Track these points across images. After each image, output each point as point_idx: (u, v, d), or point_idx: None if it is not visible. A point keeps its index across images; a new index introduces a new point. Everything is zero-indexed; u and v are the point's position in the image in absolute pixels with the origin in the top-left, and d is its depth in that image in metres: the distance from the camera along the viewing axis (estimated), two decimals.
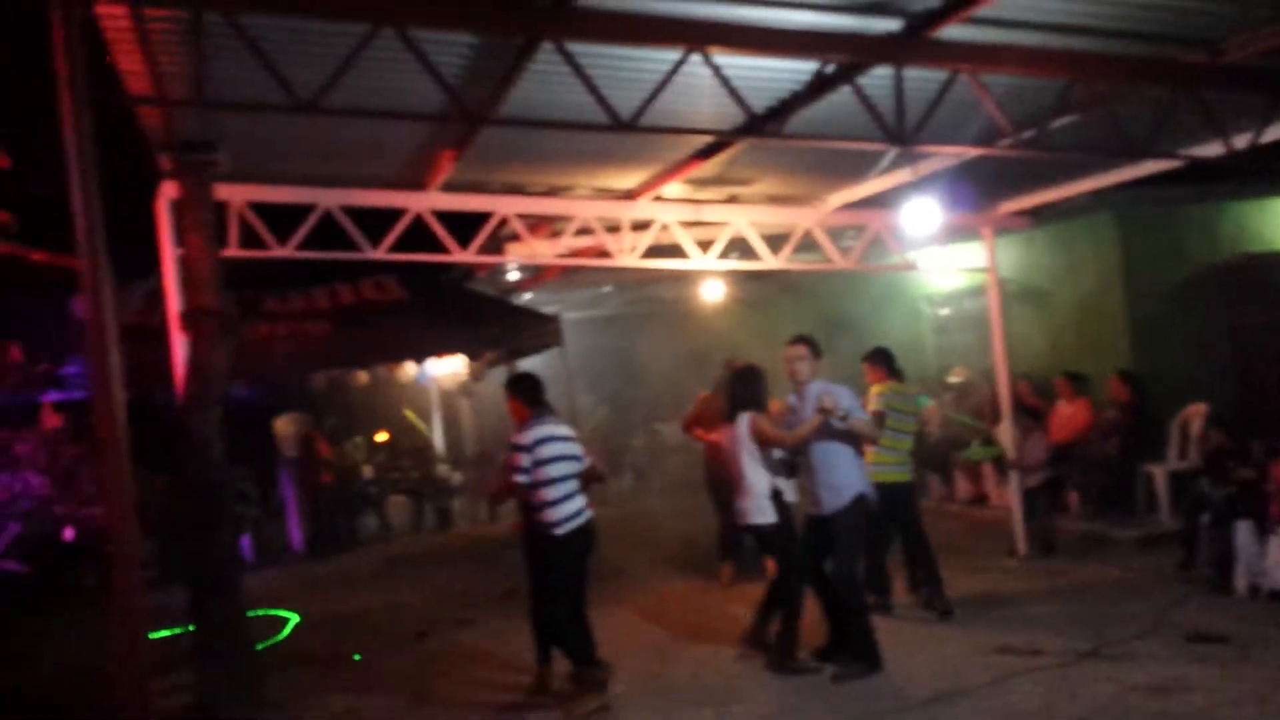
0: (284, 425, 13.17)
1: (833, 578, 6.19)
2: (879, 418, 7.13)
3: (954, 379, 12.25)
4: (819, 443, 6.15)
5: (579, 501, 6.00)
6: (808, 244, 9.58)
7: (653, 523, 12.68)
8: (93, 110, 4.31)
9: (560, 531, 5.90)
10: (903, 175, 8.45)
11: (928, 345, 13.84)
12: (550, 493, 5.88)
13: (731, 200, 9.16)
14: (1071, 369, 10.54)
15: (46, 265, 7.23)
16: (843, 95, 6.14)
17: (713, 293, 14.90)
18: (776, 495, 6.34)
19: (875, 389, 7.55)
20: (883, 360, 7.77)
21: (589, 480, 6.20)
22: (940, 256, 10.73)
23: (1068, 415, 10.28)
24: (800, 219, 9.31)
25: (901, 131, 6.13)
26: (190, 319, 6.43)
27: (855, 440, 6.22)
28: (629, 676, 6.28)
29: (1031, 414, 9.83)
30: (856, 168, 8.47)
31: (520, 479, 5.85)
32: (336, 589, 10.44)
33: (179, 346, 6.73)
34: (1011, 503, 9.42)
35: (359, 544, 13.36)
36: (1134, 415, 9.85)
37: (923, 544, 7.54)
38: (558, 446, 5.95)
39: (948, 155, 7.70)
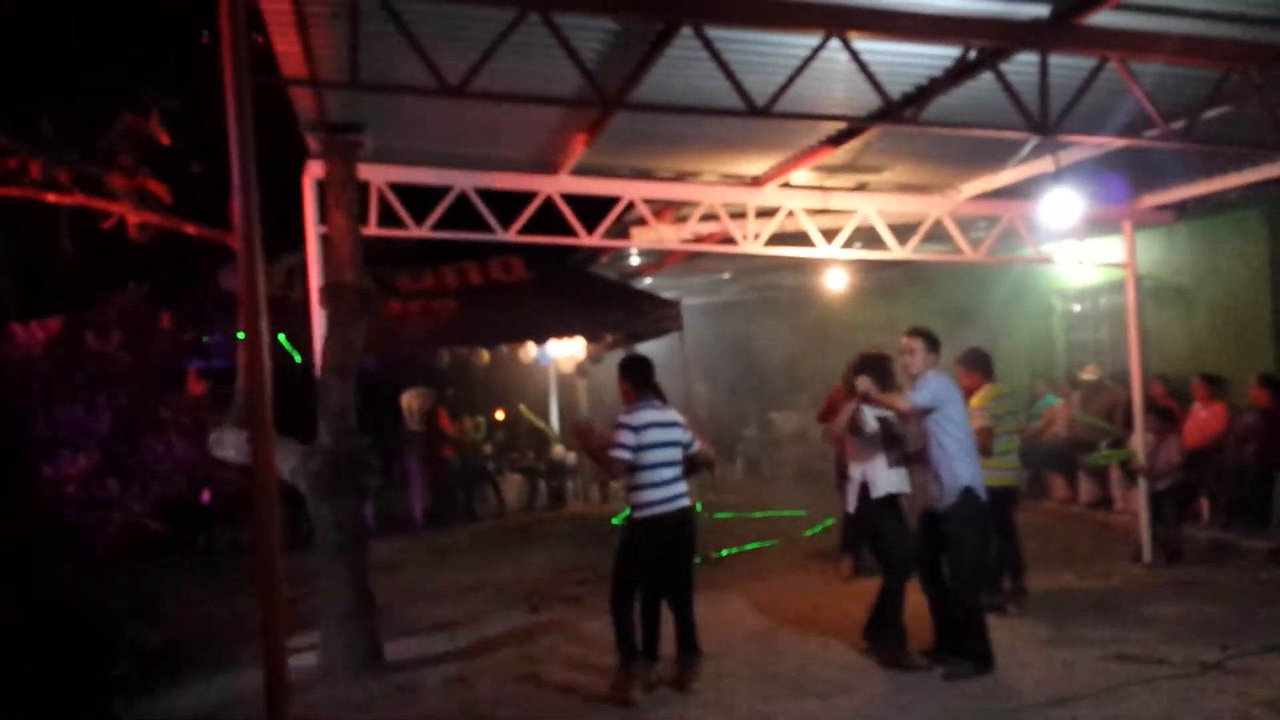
0: (410, 399, 13.58)
1: (948, 576, 6.10)
2: (987, 434, 6.96)
3: (1085, 377, 11.84)
4: (930, 436, 6.06)
5: (672, 489, 5.92)
6: (936, 234, 9.39)
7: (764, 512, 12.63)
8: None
9: (643, 515, 5.88)
10: (1041, 165, 8.21)
11: (1058, 342, 13.43)
12: (643, 477, 5.87)
13: (860, 188, 9.04)
14: (1209, 371, 10.10)
15: (197, 238, 7.57)
16: (983, 82, 6.00)
17: (835, 281, 14.73)
18: (864, 486, 6.32)
19: (979, 399, 7.27)
20: (981, 364, 7.52)
21: (698, 465, 6.19)
22: (1076, 250, 10.39)
23: (1203, 419, 9.87)
24: (931, 208, 9.13)
25: (1044, 120, 5.96)
26: (331, 294, 6.68)
27: (966, 434, 6.11)
28: (735, 663, 6.30)
29: (1165, 416, 9.46)
30: (993, 156, 8.27)
31: (622, 455, 5.85)
32: (454, 559, 10.73)
33: (318, 320, 7.00)
34: (1138, 507, 9.10)
35: (476, 518, 13.72)
36: (1274, 422, 9.39)
37: (1015, 549, 7.42)
38: (659, 433, 5.92)
39: (1091, 146, 7.45)
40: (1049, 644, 6.50)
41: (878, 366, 6.46)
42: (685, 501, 5.98)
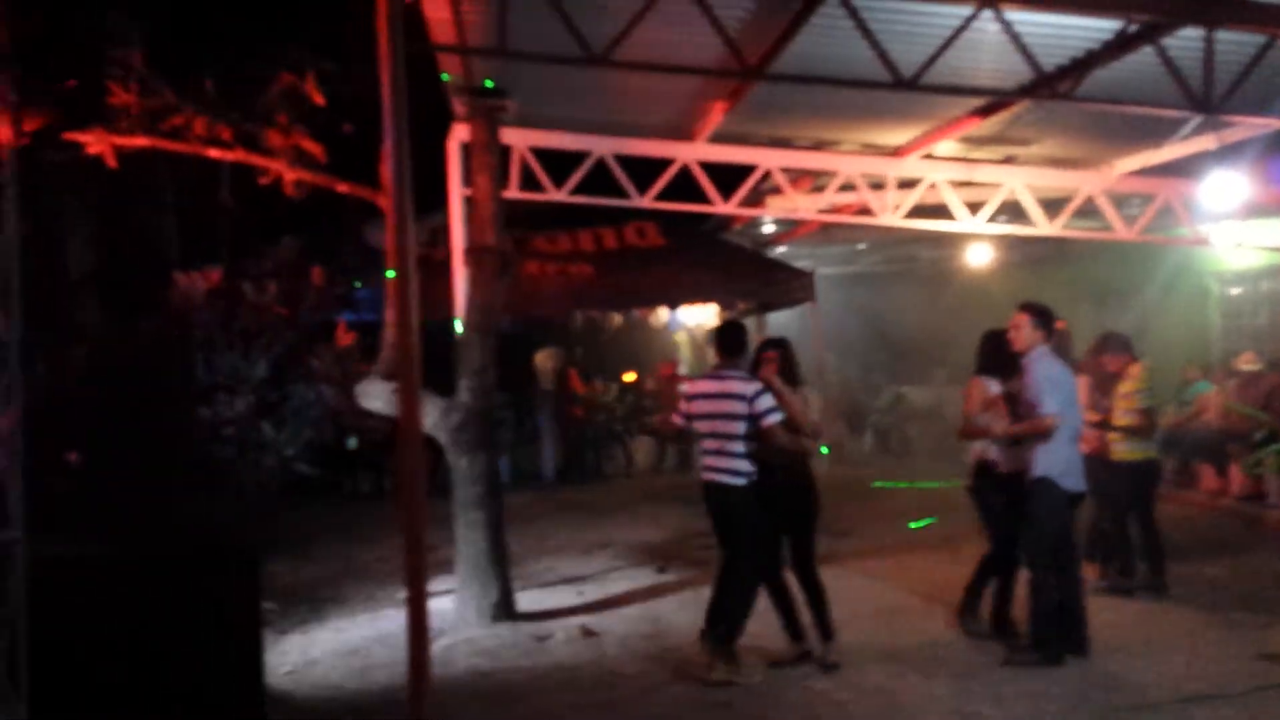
0: (543, 359, 13.88)
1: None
2: (1150, 415, 6.74)
3: (1243, 366, 11.26)
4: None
5: (706, 460, 5.71)
6: (1087, 210, 9.05)
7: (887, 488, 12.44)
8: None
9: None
10: (1202, 143, 7.82)
11: (1213, 327, 12.81)
12: (698, 445, 5.84)
13: (1007, 161, 8.78)
14: None
15: (348, 196, 7.88)
16: (1143, 56, 5.77)
17: (977, 256, 14.35)
18: (981, 462, 6.15)
19: (1134, 381, 6.90)
20: (1124, 345, 7.10)
21: (772, 440, 5.62)
22: (1236, 232, 9.86)
23: None
24: (1082, 183, 8.81)
25: (1208, 98, 5.69)
26: (473, 255, 6.89)
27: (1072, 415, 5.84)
28: (859, 638, 6.27)
29: None
30: (1151, 133, 7.92)
31: (675, 420, 5.93)
32: (582, 517, 10.96)
33: (460, 280, 7.23)
34: None
35: (604, 477, 13.97)
36: None
37: (1153, 533, 7.11)
38: (704, 404, 5.68)
39: (1257, 125, 7.06)
40: (1190, 638, 6.25)
41: (991, 343, 6.18)
42: (714, 476, 5.63)
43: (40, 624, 4.04)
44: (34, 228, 4.62)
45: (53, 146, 6.83)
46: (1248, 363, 11.24)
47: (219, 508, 8.77)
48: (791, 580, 5.89)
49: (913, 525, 9.62)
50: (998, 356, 6.12)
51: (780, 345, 5.93)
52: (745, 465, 5.56)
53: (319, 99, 7.54)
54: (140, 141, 6.99)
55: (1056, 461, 5.75)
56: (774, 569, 5.85)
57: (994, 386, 6.11)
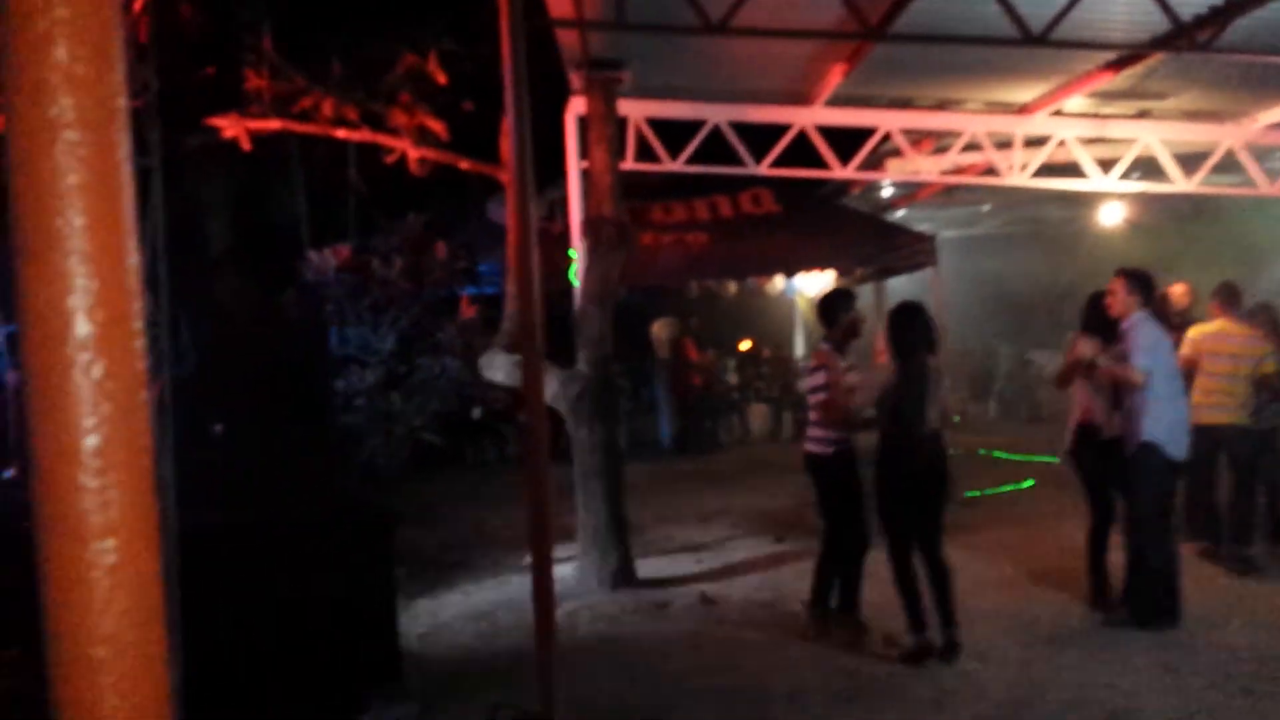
0: (659, 328, 13.95)
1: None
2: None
3: None
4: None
5: (807, 429, 5.92)
6: (1225, 165, 8.60)
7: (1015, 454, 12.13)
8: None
9: None
10: None
11: None
12: None
13: (1141, 115, 8.40)
14: None
15: (470, 172, 8.04)
16: None
17: (1109, 215, 13.79)
18: (1083, 426, 6.11)
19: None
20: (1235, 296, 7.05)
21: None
22: None
23: None
24: (1222, 137, 8.37)
25: None
26: (591, 228, 6.95)
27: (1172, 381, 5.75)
28: (991, 609, 6.17)
29: None
30: None
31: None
32: (699, 485, 11.02)
33: (578, 252, 7.31)
34: None
35: (721, 446, 14.00)
36: None
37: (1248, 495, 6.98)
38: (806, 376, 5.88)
39: None
40: None
41: (1093, 303, 6.10)
42: (805, 445, 5.86)
43: (188, 591, 4.28)
44: (176, 210, 4.85)
45: (192, 132, 7.16)
46: None
47: (352, 476, 9.13)
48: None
49: (969, 494, 9.33)
50: (1100, 316, 5.99)
51: (896, 315, 5.62)
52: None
53: (441, 78, 7.71)
54: (272, 124, 7.27)
55: (1159, 428, 5.65)
56: (895, 547, 5.49)
57: (1090, 347, 5.97)
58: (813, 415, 5.83)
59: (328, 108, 7.61)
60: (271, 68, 7.41)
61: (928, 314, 5.66)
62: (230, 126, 7.24)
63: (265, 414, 7.87)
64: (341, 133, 7.78)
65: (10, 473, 6.16)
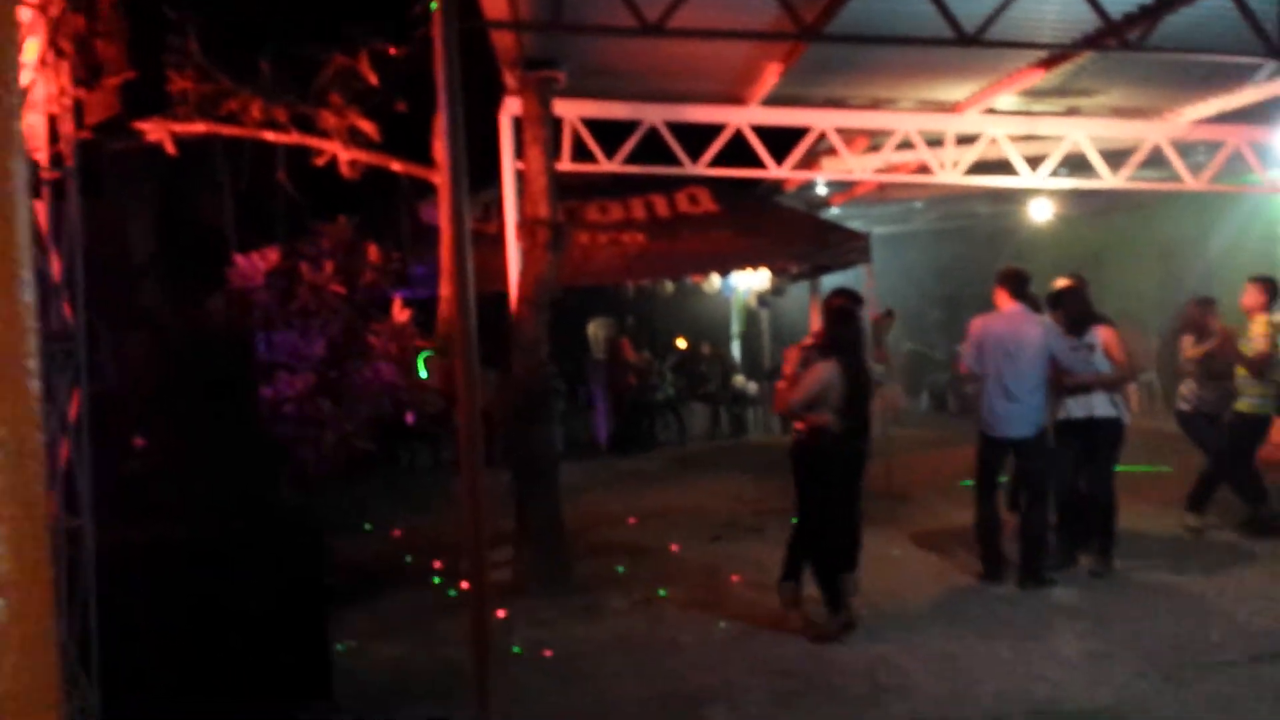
0: (595, 328, 13.89)
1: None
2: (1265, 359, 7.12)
3: None
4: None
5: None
6: (1152, 160, 8.78)
7: (944, 449, 12.25)
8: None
9: None
10: (1274, 88, 7.52)
11: None
12: None
13: (1070, 112, 8.52)
14: None
15: (401, 173, 7.89)
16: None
17: (1038, 211, 14.03)
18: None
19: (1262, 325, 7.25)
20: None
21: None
22: None
23: None
24: (1148, 133, 8.53)
25: None
26: (526, 228, 6.85)
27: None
28: (919, 602, 6.23)
29: None
30: (1224, 80, 7.63)
31: None
32: (637, 485, 10.97)
33: (513, 253, 7.20)
34: None
35: (658, 445, 13.96)
36: None
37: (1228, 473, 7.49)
38: None
39: None
40: (1264, 599, 6.10)
41: (1072, 298, 6.71)
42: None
43: (109, 608, 4.11)
44: (94, 216, 4.66)
45: (112, 136, 6.90)
46: None
47: (281, 485, 8.89)
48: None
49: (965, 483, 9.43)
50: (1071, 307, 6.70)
51: (835, 313, 5.88)
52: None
53: (372, 78, 7.54)
54: (198, 128, 7.06)
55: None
56: (818, 531, 5.90)
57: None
58: None
59: (256, 109, 7.41)
60: (197, 69, 7.18)
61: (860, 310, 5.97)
62: (154, 130, 7.01)
63: (190, 425, 7.62)
64: (270, 135, 7.58)
65: None
